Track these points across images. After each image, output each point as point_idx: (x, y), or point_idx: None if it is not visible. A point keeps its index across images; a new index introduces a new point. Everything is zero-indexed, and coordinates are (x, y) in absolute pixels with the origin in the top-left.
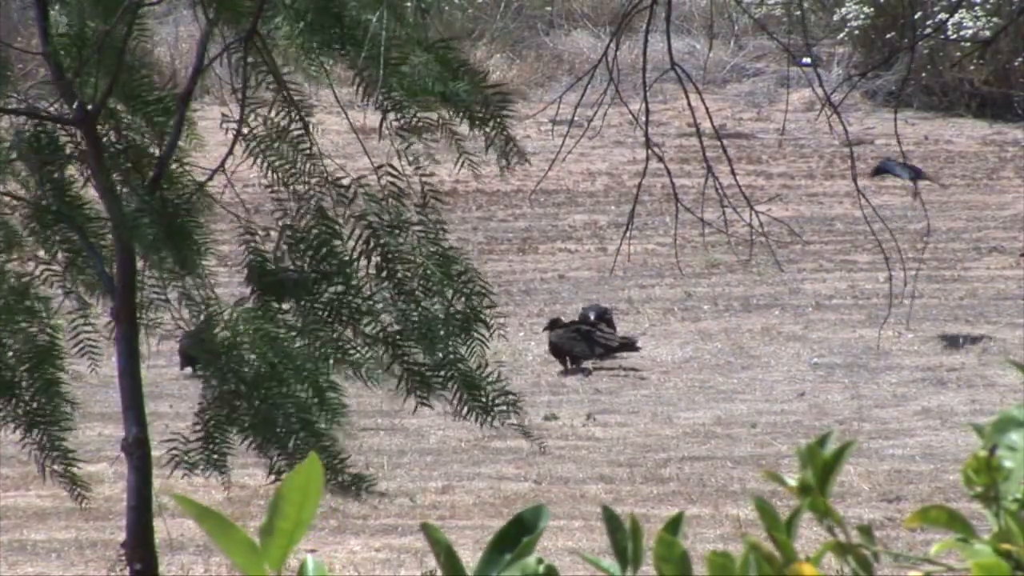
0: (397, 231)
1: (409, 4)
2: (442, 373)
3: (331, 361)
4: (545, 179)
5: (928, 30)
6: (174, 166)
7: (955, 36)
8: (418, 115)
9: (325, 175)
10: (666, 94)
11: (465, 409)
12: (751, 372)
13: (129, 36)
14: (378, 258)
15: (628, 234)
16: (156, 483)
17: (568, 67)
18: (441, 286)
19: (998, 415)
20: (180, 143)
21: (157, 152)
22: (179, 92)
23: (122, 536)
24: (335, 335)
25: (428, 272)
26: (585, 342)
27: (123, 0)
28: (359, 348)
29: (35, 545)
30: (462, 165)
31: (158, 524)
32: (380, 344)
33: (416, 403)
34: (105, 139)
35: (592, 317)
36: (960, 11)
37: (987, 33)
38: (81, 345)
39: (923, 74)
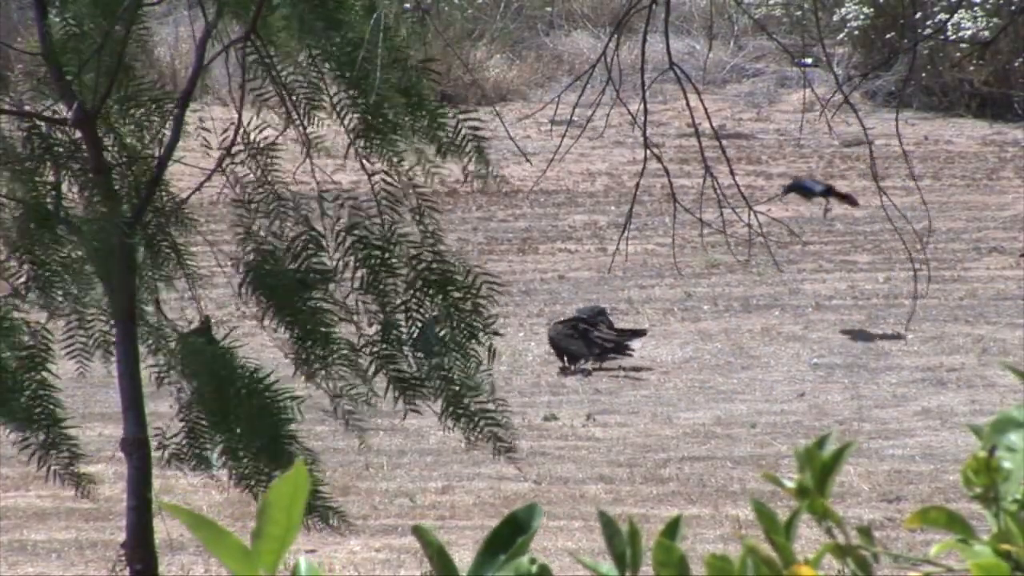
0: (388, 245)
1: (408, 4)
2: (427, 384)
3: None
4: (545, 179)
5: (928, 30)
6: (172, 167)
7: (955, 37)
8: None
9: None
10: (666, 94)
11: (451, 421)
12: (751, 372)
13: (128, 37)
14: (364, 270)
15: (627, 234)
16: (156, 483)
17: (568, 67)
18: (433, 299)
19: (997, 416)
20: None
21: (156, 153)
22: (178, 93)
23: (122, 536)
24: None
25: (420, 286)
26: (582, 340)
27: (122, 0)
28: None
29: (35, 545)
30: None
31: (158, 524)
32: (363, 353)
33: (405, 410)
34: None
35: (582, 326)
36: (960, 12)
37: (987, 34)
38: (75, 346)
39: (923, 74)
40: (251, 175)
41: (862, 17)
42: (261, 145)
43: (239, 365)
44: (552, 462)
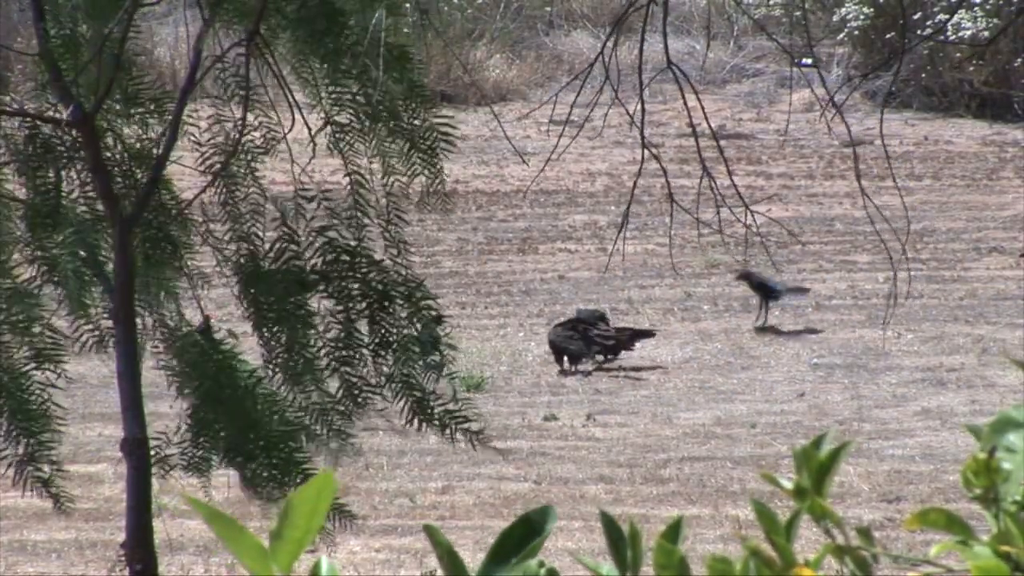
0: (356, 249)
1: (409, 4)
2: (385, 391)
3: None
4: (545, 179)
5: (928, 30)
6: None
7: (954, 37)
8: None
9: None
10: (665, 94)
11: (417, 422)
12: (751, 372)
13: (126, 37)
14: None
15: (624, 234)
16: (156, 484)
17: (568, 67)
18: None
19: (996, 416)
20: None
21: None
22: (177, 94)
23: (122, 536)
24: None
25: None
26: (583, 341)
27: (118, 1)
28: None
29: (35, 545)
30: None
31: (158, 524)
32: (325, 358)
33: (359, 413)
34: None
35: (581, 326)
36: (960, 12)
37: (986, 34)
38: (84, 343)
39: (923, 74)
40: (244, 175)
41: (862, 17)
42: (258, 145)
43: (240, 365)
44: (552, 462)
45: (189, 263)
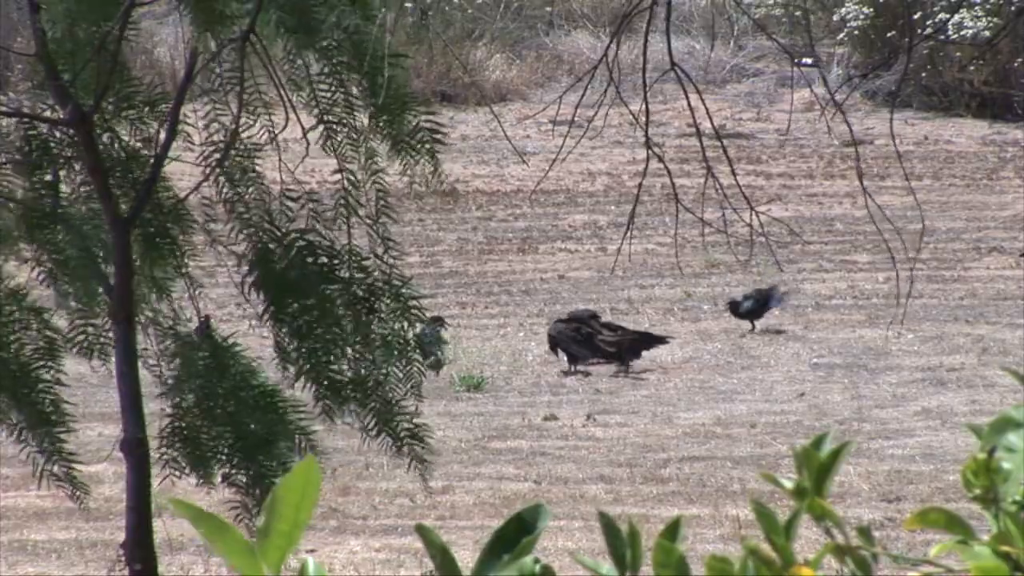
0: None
1: (409, 4)
2: (355, 393)
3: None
4: (545, 179)
5: (928, 30)
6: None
7: (955, 36)
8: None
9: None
10: (666, 94)
11: (376, 431)
12: (751, 372)
13: (122, 38)
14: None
15: (628, 234)
16: (155, 483)
17: (568, 67)
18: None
19: (996, 416)
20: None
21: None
22: (174, 95)
23: (122, 536)
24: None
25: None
26: (586, 345)
27: (115, 1)
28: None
29: (35, 545)
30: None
31: (158, 524)
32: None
33: (321, 414)
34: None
35: (585, 328)
36: (960, 11)
37: (987, 33)
38: (84, 342)
39: (923, 74)
40: (240, 174)
41: (862, 17)
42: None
43: (241, 363)
44: (552, 462)
45: (189, 263)
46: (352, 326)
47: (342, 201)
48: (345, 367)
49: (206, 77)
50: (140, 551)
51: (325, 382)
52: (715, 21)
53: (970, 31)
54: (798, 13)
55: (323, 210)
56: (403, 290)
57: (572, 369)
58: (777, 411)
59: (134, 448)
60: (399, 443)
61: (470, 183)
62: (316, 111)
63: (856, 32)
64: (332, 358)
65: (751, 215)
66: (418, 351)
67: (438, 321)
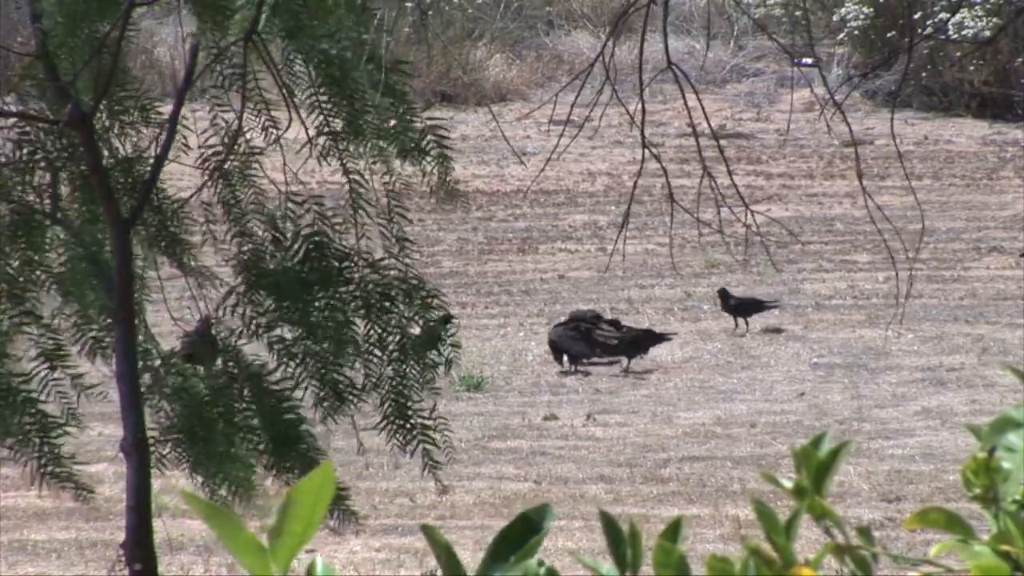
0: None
1: (409, 4)
2: (360, 393)
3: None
4: (545, 179)
5: (928, 30)
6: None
7: (955, 36)
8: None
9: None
10: (666, 94)
11: (386, 430)
12: (751, 372)
13: (123, 38)
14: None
15: (624, 234)
16: (156, 483)
17: (568, 67)
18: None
19: (996, 416)
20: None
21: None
22: (175, 95)
23: (122, 536)
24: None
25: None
26: (584, 342)
27: (115, 1)
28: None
29: (35, 545)
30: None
31: (158, 524)
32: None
33: (323, 417)
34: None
35: (583, 326)
36: (961, 11)
37: (987, 33)
38: (85, 344)
39: (923, 74)
40: (238, 177)
41: (862, 17)
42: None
43: (243, 363)
44: (552, 462)
45: (192, 263)
46: (366, 326)
47: (351, 204)
48: (354, 368)
49: (210, 77)
50: (140, 551)
51: (330, 384)
52: (711, 20)
53: (970, 31)
54: (798, 13)
55: (332, 215)
56: (422, 289)
57: (573, 368)
58: (777, 411)
59: (134, 449)
60: (410, 437)
61: (470, 183)
62: (319, 116)
63: (856, 32)
64: (340, 360)
65: (747, 214)
66: (435, 348)
67: (447, 320)
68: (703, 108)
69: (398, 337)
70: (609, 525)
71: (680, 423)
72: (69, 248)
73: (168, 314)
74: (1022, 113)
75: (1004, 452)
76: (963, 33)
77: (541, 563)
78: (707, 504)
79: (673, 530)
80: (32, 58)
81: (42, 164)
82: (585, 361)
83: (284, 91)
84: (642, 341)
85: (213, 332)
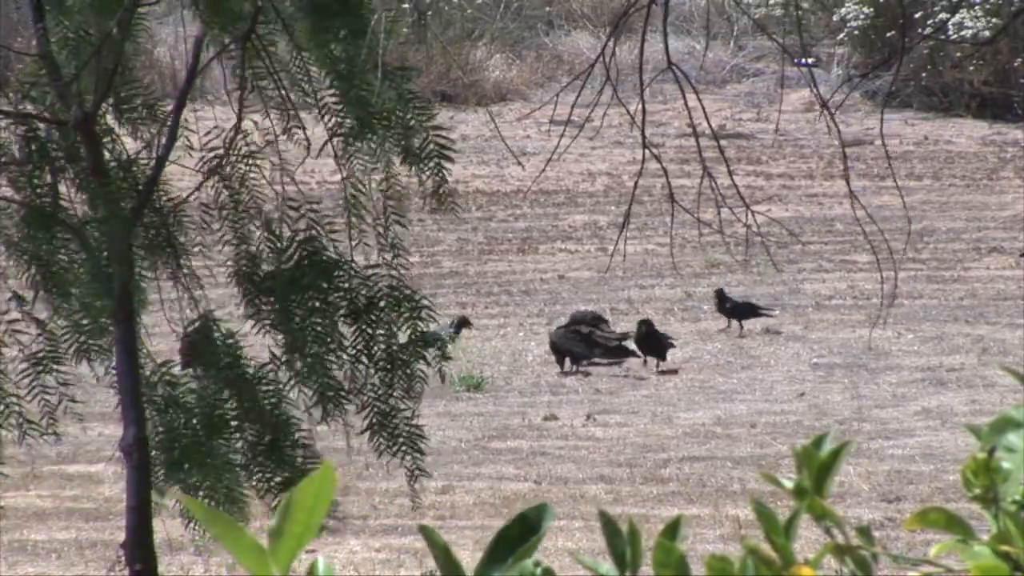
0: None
1: (407, 5)
2: (352, 398)
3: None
4: (545, 179)
5: (928, 30)
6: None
7: (955, 36)
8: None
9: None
10: (666, 94)
11: (370, 435)
12: (751, 372)
13: (125, 39)
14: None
15: (625, 234)
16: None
17: (568, 67)
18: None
19: (996, 416)
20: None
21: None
22: (175, 95)
23: (122, 536)
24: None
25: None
26: (584, 343)
27: (118, 1)
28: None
29: (35, 545)
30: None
31: (158, 524)
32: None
33: (321, 417)
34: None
35: (584, 328)
36: (960, 11)
37: (987, 33)
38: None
39: (923, 74)
40: (239, 179)
41: (862, 17)
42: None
43: (244, 362)
44: (552, 462)
45: (190, 263)
46: (354, 332)
47: (346, 207)
48: (342, 372)
49: (220, 76)
50: (140, 551)
51: (323, 386)
52: (711, 21)
53: (970, 31)
54: (800, 12)
55: (326, 220)
56: (413, 296)
57: (573, 369)
58: (777, 411)
59: (134, 448)
60: (394, 444)
61: (470, 183)
62: (322, 117)
63: (856, 32)
64: (329, 364)
65: (747, 214)
66: (433, 350)
67: (465, 323)
68: (703, 108)
69: (384, 346)
70: (608, 525)
71: (680, 423)
72: (69, 248)
73: (164, 315)
74: (1022, 113)
75: (1004, 452)
76: (963, 33)
77: (537, 564)
78: (707, 504)
79: (673, 529)
80: (35, 58)
81: (45, 164)
82: (586, 362)
83: (283, 91)
84: (654, 343)
85: (210, 333)
